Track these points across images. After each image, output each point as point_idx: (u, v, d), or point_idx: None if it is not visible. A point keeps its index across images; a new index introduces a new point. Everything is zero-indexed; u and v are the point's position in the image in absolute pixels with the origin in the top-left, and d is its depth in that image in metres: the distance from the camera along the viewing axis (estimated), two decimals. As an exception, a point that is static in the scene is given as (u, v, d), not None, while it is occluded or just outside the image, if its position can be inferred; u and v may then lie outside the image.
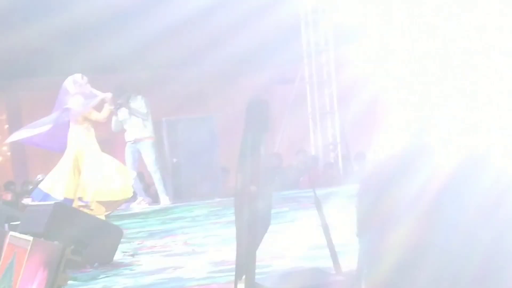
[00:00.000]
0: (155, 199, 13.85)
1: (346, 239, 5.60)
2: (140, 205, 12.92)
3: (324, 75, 17.19)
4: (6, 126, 22.24)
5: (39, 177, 15.31)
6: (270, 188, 2.46)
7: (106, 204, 9.81)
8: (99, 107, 10.86)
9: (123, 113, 12.80)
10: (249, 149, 2.47)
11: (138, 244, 7.55)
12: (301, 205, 9.95)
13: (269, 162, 3.04)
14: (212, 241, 7.26)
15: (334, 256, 3.89)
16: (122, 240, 6.67)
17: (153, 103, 13.34)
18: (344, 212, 7.83)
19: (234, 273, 3.06)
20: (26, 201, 12.90)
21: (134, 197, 13.41)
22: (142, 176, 13.89)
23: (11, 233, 5.42)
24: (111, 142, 23.04)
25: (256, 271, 2.80)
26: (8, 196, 14.45)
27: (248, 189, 2.42)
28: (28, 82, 20.00)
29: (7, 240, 5.34)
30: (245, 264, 2.39)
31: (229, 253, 6.09)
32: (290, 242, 6.47)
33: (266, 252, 5.93)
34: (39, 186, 10.51)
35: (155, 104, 14.43)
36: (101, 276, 5.84)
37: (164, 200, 12.89)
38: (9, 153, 22.51)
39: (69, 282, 3.93)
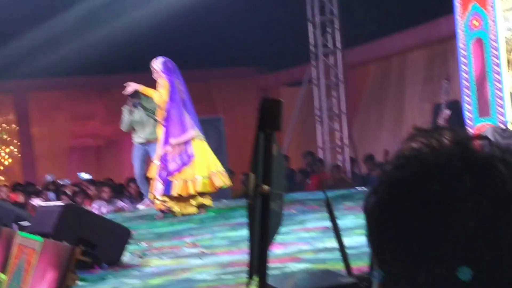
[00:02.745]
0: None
1: (356, 241, 5.62)
2: (148, 207, 12.91)
3: (332, 77, 17.20)
4: (14, 126, 22.29)
5: (48, 177, 15.36)
6: (282, 188, 2.46)
7: None
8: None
9: (137, 113, 12.77)
10: (261, 148, 2.47)
11: (147, 245, 7.56)
12: (308, 207, 9.96)
13: (282, 162, 3.04)
14: (220, 243, 7.25)
15: (345, 258, 3.88)
16: (130, 241, 6.67)
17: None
18: (353, 215, 7.86)
19: (242, 275, 3.05)
20: (35, 202, 12.93)
21: (142, 199, 13.43)
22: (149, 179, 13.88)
23: (21, 233, 5.43)
24: (118, 143, 23.20)
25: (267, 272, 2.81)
26: (19, 197, 14.47)
27: (261, 188, 2.42)
28: (36, 82, 20.05)
29: (16, 241, 5.35)
30: (257, 265, 2.39)
31: (237, 255, 6.10)
32: (299, 244, 6.47)
33: (277, 253, 5.94)
34: None
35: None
36: (109, 277, 5.84)
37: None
38: (18, 154, 22.55)
39: (78, 282, 3.93)
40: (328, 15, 16.87)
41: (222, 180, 10.47)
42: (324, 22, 16.94)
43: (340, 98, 17.04)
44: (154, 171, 10.60)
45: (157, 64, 10.74)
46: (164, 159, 10.44)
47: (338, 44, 16.99)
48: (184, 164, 10.36)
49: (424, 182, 1.08)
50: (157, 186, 10.41)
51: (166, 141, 10.48)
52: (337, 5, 16.77)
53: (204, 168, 10.41)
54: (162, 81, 10.69)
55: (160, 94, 10.70)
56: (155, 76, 10.82)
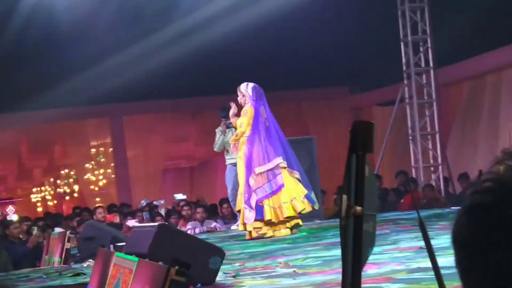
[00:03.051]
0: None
1: (450, 261, 5.56)
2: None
3: (424, 95, 17.06)
4: (111, 149, 22.71)
5: (143, 202, 15.59)
6: (375, 209, 2.47)
7: None
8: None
9: (229, 134, 12.90)
10: (353, 170, 2.48)
11: (240, 265, 7.60)
12: (401, 227, 9.88)
13: (374, 183, 3.03)
14: (313, 262, 7.25)
15: (439, 278, 3.85)
16: (224, 261, 6.73)
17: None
18: (447, 235, 7.78)
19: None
20: (130, 222, 13.15)
21: (235, 220, 13.52)
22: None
23: (117, 254, 5.55)
24: (211, 164, 23.40)
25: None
26: (115, 218, 14.75)
27: (353, 210, 2.44)
28: (130, 105, 20.43)
29: (113, 261, 5.47)
30: (350, 284, 2.40)
31: (330, 275, 6.10)
32: (392, 264, 6.42)
33: (370, 274, 5.92)
34: None
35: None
36: (204, 297, 5.90)
37: (265, 222, 12.93)
38: (113, 176, 22.97)
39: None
40: (420, 34, 16.78)
41: (302, 205, 10.48)
42: (417, 41, 16.85)
43: (433, 117, 16.89)
44: (241, 202, 10.62)
45: (248, 89, 10.78)
46: (249, 189, 10.45)
47: (431, 63, 16.87)
48: (273, 192, 10.39)
49: (506, 207, 1.08)
50: (247, 215, 10.42)
51: (249, 171, 10.48)
52: (429, 24, 16.67)
53: (287, 195, 10.44)
54: (247, 108, 10.71)
55: (240, 123, 10.74)
56: (241, 100, 10.87)
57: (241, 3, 17.34)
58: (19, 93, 18.13)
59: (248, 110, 10.67)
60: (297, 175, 10.76)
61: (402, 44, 16.88)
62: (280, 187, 10.40)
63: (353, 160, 2.38)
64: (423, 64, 16.96)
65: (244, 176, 10.52)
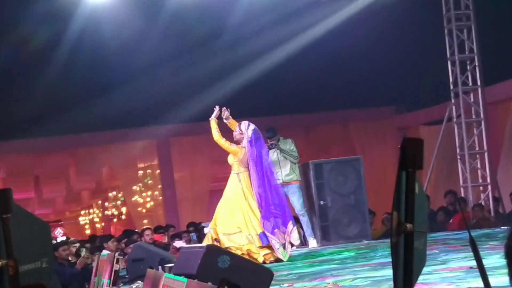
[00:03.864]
0: (303, 242, 13.91)
1: (501, 280, 5.49)
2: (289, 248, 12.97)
3: (472, 114, 16.94)
4: (158, 171, 22.83)
5: (192, 235, 15.62)
6: (425, 227, 2.46)
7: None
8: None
9: (273, 155, 12.94)
10: (403, 186, 2.48)
11: (288, 286, 7.59)
12: (451, 247, 9.81)
13: (424, 200, 3.02)
14: (361, 283, 7.21)
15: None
16: (272, 282, 6.72)
17: (299, 146, 13.48)
18: (498, 254, 7.69)
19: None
20: (178, 243, 13.19)
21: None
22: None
23: (166, 275, 5.57)
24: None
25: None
26: (163, 238, 14.82)
27: (404, 226, 2.43)
28: (177, 127, 20.53)
29: (162, 282, 5.50)
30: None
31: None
32: (442, 284, 6.37)
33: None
34: None
35: (301, 147, 14.54)
36: (253, 318, 5.90)
37: (312, 243, 12.92)
38: (160, 198, 23.07)
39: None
40: (467, 52, 16.69)
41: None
42: (464, 60, 16.75)
43: (482, 135, 16.75)
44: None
45: (248, 130, 10.93)
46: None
47: (478, 81, 16.75)
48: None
49: None
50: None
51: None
52: (476, 42, 16.57)
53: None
54: (237, 148, 10.94)
55: (224, 141, 11.03)
56: (237, 137, 10.99)
57: (286, 28, 17.42)
58: (67, 115, 18.33)
59: (238, 149, 10.95)
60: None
61: (449, 63, 16.79)
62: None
63: (403, 177, 2.38)
64: (470, 83, 16.84)
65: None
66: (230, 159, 11.05)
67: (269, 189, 10.74)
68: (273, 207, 10.63)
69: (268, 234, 10.45)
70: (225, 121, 11.29)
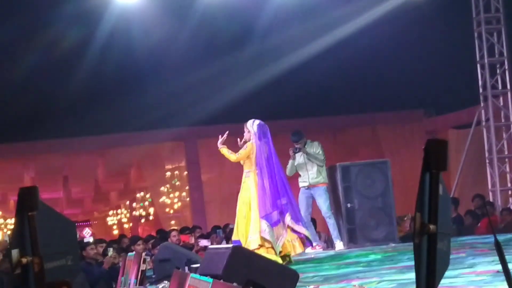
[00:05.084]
0: (329, 245, 13.89)
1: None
2: (315, 250, 12.98)
3: (502, 118, 16.84)
4: (185, 172, 22.88)
5: (219, 231, 15.66)
6: (449, 228, 2.45)
7: None
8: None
9: (300, 158, 12.98)
10: (427, 188, 2.47)
11: (314, 288, 7.59)
12: (478, 251, 9.75)
13: (448, 202, 3.01)
14: (387, 286, 7.20)
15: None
16: (298, 284, 6.72)
17: (326, 148, 13.47)
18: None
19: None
20: (203, 242, 13.23)
21: (308, 243, 13.49)
22: (315, 221, 13.96)
23: (192, 275, 5.59)
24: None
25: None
26: (190, 239, 14.85)
27: (427, 227, 2.42)
28: (205, 128, 20.56)
29: (188, 282, 5.51)
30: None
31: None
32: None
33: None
34: None
35: (329, 149, 14.53)
36: (278, 319, 5.90)
37: (339, 246, 12.91)
38: (187, 199, 23.12)
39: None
40: (497, 56, 16.60)
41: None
42: (494, 63, 16.67)
43: (511, 139, 16.65)
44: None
45: (253, 126, 10.89)
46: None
47: (508, 85, 16.66)
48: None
49: None
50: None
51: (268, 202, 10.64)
52: (506, 45, 16.48)
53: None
54: (249, 144, 10.86)
55: (239, 153, 10.89)
56: (246, 136, 10.97)
57: (315, 30, 17.41)
58: (97, 116, 18.44)
59: (249, 145, 10.84)
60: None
61: (478, 66, 16.71)
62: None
63: (427, 178, 2.37)
64: (500, 87, 16.75)
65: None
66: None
67: (278, 183, 10.74)
68: (280, 201, 10.64)
69: (265, 228, 10.44)
70: (219, 145, 11.23)
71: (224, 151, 11.06)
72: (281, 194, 10.71)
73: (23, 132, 18.91)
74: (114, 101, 18.04)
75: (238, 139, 11.10)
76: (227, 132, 11.19)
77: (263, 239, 10.38)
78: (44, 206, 3.88)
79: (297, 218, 10.82)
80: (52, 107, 18.03)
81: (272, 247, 10.42)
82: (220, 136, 11.16)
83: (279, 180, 10.77)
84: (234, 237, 10.77)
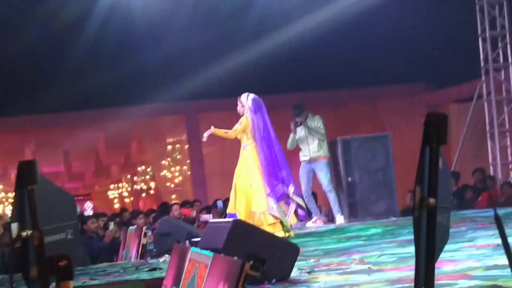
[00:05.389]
0: (330, 218, 13.92)
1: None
2: (316, 224, 13.01)
3: (503, 92, 16.80)
4: (186, 146, 22.88)
5: (219, 203, 15.69)
6: (449, 202, 2.44)
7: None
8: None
9: (301, 131, 12.96)
10: (427, 161, 2.46)
11: (314, 261, 7.60)
12: (479, 225, 9.77)
13: (448, 176, 3.01)
14: (387, 259, 7.21)
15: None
16: (298, 257, 6.73)
17: (327, 123, 13.45)
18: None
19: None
20: (204, 217, 13.25)
21: (309, 216, 13.52)
22: (316, 196, 13.98)
23: (193, 249, 5.59)
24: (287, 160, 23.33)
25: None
26: (192, 212, 14.88)
27: (427, 201, 2.42)
28: (206, 103, 20.55)
29: (189, 256, 5.52)
30: (423, 278, 2.39)
31: (406, 271, 6.05)
32: (469, 262, 6.35)
33: (446, 271, 5.86)
34: None
35: (330, 124, 14.51)
36: (278, 292, 5.91)
37: (339, 219, 12.93)
38: (189, 173, 23.13)
39: (248, 296, 4.02)
40: (499, 29, 16.54)
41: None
42: (495, 37, 16.60)
43: (512, 113, 16.64)
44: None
45: (248, 100, 10.87)
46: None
47: (510, 59, 16.60)
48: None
49: None
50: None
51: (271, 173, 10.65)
52: (508, 19, 16.41)
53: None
54: (243, 119, 10.87)
55: (234, 129, 10.96)
56: (240, 110, 10.95)
57: (315, 2, 17.32)
58: (97, 91, 18.41)
59: (243, 120, 10.86)
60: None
61: (480, 39, 16.65)
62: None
63: (426, 152, 2.36)
64: (501, 60, 16.71)
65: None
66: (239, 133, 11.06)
67: (277, 156, 10.75)
68: (281, 173, 10.66)
69: (273, 205, 10.45)
70: (211, 131, 11.22)
71: (219, 132, 11.06)
72: (281, 166, 10.72)
73: (23, 106, 18.89)
74: (115, 74, 17.99)
75: (238, 108, 11.07)
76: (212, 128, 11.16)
77: (273, 216, 10.40)
78: (44, 180, 3.87)
79: (296, 190, 10.85)
80: (52, 81, 18.00)
81: (281, 222, 10.44)
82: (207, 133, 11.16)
83: (278, 152, 10.78)
84: (230, 210, 10.72)
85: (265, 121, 10.85)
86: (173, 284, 5.59)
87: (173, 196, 23.72)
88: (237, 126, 10.91)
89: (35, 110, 19.37)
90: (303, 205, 10.93)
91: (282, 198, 10.58)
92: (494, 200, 13.73)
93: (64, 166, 25.94)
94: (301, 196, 11.14)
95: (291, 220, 10.74)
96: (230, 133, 10.94)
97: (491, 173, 16.52)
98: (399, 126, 20.96)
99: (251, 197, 10.58)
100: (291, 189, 10.70)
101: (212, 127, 11.12)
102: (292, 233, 10.65)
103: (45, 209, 3.76)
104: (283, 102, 18.85)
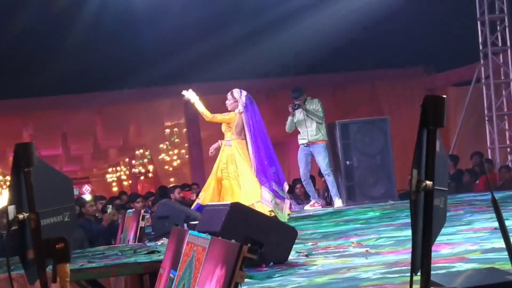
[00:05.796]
0: (328, 202, 13.93)
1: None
2: (314, 207, 13.03)
3: (501, 75, 16.79)
4: (185, 129, 22.86)
5: None
6: (446, 184, 2.44)
7: None
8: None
9: (299, 114, 12.95)
10: (424, 144, 2.46)
11: (312, 245, 7.61)
12: (476, 208, 9.78)
13: (445, 158, 3.01)
14: (385, 243, 7.22)
15: (512, 258, 3.79)
16: (296, 241, 6.74)
17: (325, 106, 13.44)
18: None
19: (407, 273, 3.05)
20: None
21: (307, 200, 13.54)
22: (314, 179, 13.99)
23: (191, 232, 5.59)
24: (284, 145, 23.44)
25: (434, 272, 2.80)
26: (192, 195, 14.90)
27: (424, 184, 2.41)
28: (202, 86, 20.50)
29: (186, 239, 5.52)
30: (420, 260, 2.39)
31: (403, 255, 6.06)
32: (466, 245, 6.36)
33: (444, 254, 5.87)
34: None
35: (328, 107, 14.49)
36: (276, 275, 5.91)
37: (338, 203, 12.94)
38: (187, 156, 23.12)
39: (246, 279, 4.02)
40: (497, 12, 16.51)
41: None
42: (494, 20, 16.57)
43: (510, 97, 16.62)
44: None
45: (241, 96, 10.87)
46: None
47: (508, 42, 16.59)
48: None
49: None
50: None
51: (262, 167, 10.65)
52: (506, 2, 16.38)
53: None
54: (231, 113, 10.86)
55: (221, 117, 10.93)
56: (230, 104, 10.92)
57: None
58: (95, 73, 18.39)
59: (231, 114, 10.87)
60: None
61: (478, 23, 16.62)
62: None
63: (424, 135, 2.36)
64: (500, 44, 16.69)
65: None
66: (224, 127, 10.99)
67: (269, 152, 10.76)
68: (270, 170, 10.66)
69: (267, 196, 10.45)
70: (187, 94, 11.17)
71: (198, 106, 11.00)
72: (274, 161, 10.75)
73: (21, 88, 18.87)
74: (112, 57, 17.98)
75: (227, 102, 11.05)
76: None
77: (266, 207, 10.38)
78: (40, 162, 3.86)
79: (280, 184, 10.80)
80: (49, 63, 17.96)
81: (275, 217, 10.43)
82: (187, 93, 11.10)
83: (270, 148, 10.79)
84: (203, 202, 10.60)
85: (258, 117, 10.84)
86: (171, 267, 5.59)
87: (171, 179, 23.72)
88: (219, 115, 10.89)
89: (33, 92, 19.35)
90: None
91: (277, 192, 10.56)
92: (492, 183, 13.74)
93: (62, 149, 25.92)
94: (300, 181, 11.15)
95: (286, 213, 10.71)
96: (208, 114, 10.87)
97: (489, 157, 16.53)
98: (397, 110, 20.95)
99: (243, 192, 10.52)
100: (286, 186, 10.73)
101: (196, 96, 11.01)
102: None
103: (41, 191, 3.76)
104: (282, 85, 18.85)
